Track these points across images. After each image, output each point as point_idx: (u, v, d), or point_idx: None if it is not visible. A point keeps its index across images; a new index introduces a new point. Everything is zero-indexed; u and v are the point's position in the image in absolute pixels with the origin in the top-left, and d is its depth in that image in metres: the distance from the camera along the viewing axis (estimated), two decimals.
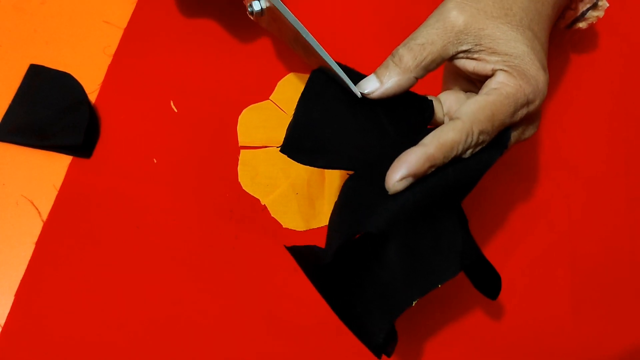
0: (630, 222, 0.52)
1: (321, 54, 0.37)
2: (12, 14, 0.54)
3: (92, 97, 0.53)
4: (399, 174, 0.34)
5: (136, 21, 0.55)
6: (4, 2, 0.56)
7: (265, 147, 0.52)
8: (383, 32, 0.57)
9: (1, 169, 0.50)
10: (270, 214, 0.50)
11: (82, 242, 0.48)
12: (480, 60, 0.36)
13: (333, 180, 0.51)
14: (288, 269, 0.48)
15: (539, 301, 0.49)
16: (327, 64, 0.37)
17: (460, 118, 0.34)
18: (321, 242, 0.49)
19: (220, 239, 0.49)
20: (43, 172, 0.50)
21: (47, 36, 0.55)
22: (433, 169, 0.34)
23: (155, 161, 0.51)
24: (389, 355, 0.37)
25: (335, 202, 0.38)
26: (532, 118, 0.38)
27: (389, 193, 0.34)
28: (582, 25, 0.53)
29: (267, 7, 0.43)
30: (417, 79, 0.36)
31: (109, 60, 0.54)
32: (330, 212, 0.49)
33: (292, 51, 0.53)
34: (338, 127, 0.37)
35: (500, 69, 0.35)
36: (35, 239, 0.48)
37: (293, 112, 0.37)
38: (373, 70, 0.38)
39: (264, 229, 0.49)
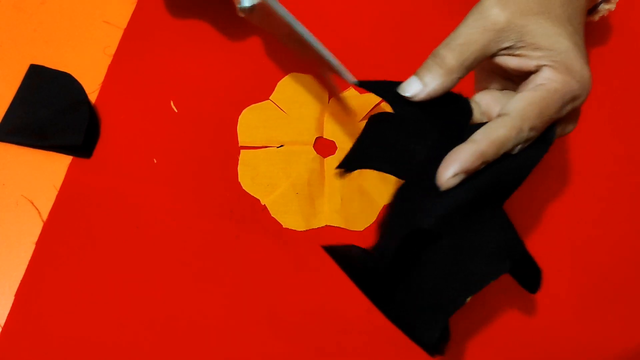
0: (633, 221, 0.52)
1: (315, 46, 0.37)
2: (12, 14, 0.54)
3: (92, 97, 0.53)
4: (452, 170, 0.33)
5: (136, 21, 0.55)
6: (4, 2, 0.56)
7: (266, 147, 0.52)
8: (383, 31, 0.57)
9: (1, 169, 0.50)
10: (270, 214, 0.50)
11: (82, 242, 0.48)
12: (523, 56, 0.36)
13: (333, 179, 0.51)
14: (288, 268, 0.48)
15: (539, 301, 0.49)
16: (322, 55, 0.37)
17: (509, 114, 0.34)
18: (321, 241, 0.49)
19: (221, 239, 0.49)
20: (43, 172, 0.50)
21: (47, 36, 0.55)
22: (483, 166, 0.34)
23: (155, 161, 0.51)
24: (442, 354, 0.36)
25: (387, 208, 0.37)
26: (575, 113, 0.38)
27: (441, 189, 0.34)
28: (594, 17, 0.52)
29: (258, 3, 0.42)
30: (459, 79, 0.36)
31: (109, 60, 0.54)
32: (331, 211, 0.50)
33: (292, 51, 0.53)
34: (380, 134, 0.37)
35: (546, 65, 0.35)
36: (35, 239, 0.48)
37: None
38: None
39: (264, 229, 0.49)
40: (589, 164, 0.53)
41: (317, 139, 0.52)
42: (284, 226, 0.49)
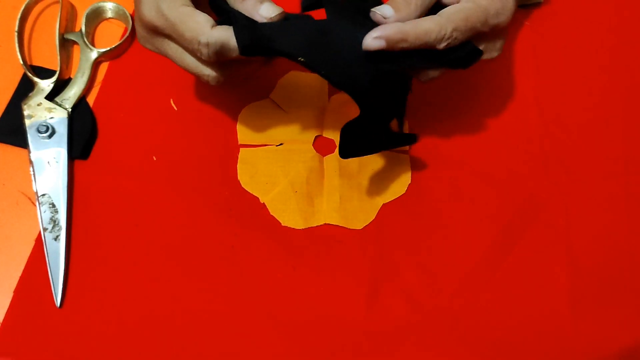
0: (629, 220, 0.51)
1: None
2: (12, 14, 0.54)
3: (92, 95, 0.53)
4: (376, 33, 0.39)
5: None
6: (4, 2, 0.56)
7: (265, 145, 0.52)
8: None
9: (1, 169, 0.50)
10: (269, 212, 0.50)
11: (81, 240, 0.48)
12: None
13: (332, 178, 0.51)
14: (287, 266, 0.48)
15: (537, 300, 0.49)
16: None
17: (439, 15, 0.41)
18: (320, 240, 0.49)
19: (220, 237, 0.49)
20: None
21: (46, 36, 0.55)
22: (404, 45, 0.39)
23: (154, 159, 0.51)
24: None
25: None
26: (498, 34, 0.44)
27: (362, 47, 0.39)
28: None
29: None
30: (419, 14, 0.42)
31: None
32: (329, 210, 0.50)
33: None
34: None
35: None
36: (34, 237, 0.48)
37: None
38: None
39: (263, 227, 0.49)
40: (585, 164, 0.53)
41: (316, 137, 0.52)
42: (282, 224, 0.49)
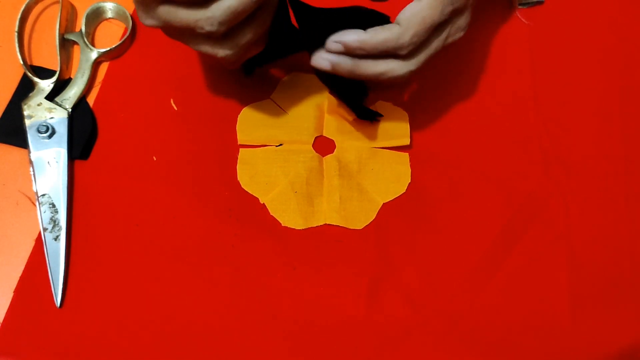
0: (629, 220, 0.51)
1: None
2: (12, 14, 0.54)
3: (92, 95, 0.53)
4: (335, 37, 0.41)
5: (137, 19, 0.55)
6: (4, 2, 0.56)
7: (265, 145, 0.52)
8: None
9: (1, 169, 0.50)
10: (269, 213, 0.50)
11: (81, 240, 0.48)
12: None
13: (332, 178, 0.51)
14: (287, 267, 0.48)
15: (537, 300, 0.49)
16: None
17: (399, 23, 0.41)
18: (320, 240, 0.49)
19: (220, 237, 0.49)
20: None
21: (46, 36, 0.55)
22: (362, 53, 0.41)
23: (154, 159, 0.51)
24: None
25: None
26: (458, 15, 0.43)
27: (325, 47, 0.42)
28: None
29: None
30: None
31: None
32: (329, 210, 0.50)
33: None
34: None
35: None
36: (34, 237, 0.48)
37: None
38: None
39: (263, 228, 0.49)
40: (585, 164, 0.53)
41: (316, 138, 0.52)
42: (282, 224, 0.49)
